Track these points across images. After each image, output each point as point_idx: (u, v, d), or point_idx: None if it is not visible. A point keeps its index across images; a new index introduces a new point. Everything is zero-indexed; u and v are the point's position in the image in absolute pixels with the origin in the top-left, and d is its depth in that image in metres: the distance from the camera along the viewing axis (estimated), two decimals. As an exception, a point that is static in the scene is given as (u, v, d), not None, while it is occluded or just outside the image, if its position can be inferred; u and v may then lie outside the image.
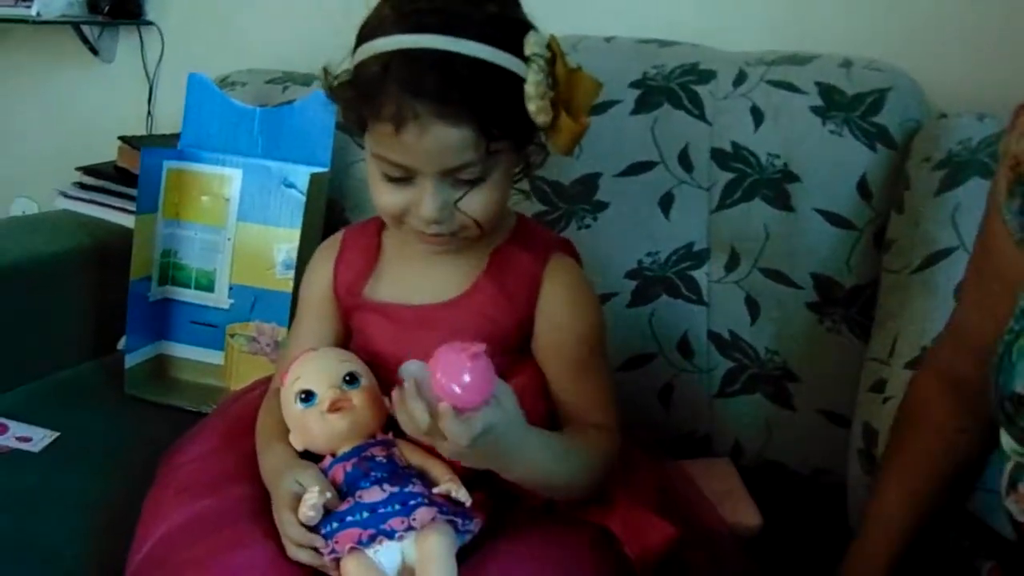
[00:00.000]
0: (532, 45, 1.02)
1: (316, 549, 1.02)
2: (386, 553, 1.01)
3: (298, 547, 1.03)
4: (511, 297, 1.16)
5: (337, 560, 1.01)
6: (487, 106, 1.02)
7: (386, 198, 1.10)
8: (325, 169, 1.68)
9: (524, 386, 1.13)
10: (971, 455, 1.05)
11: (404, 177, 1.08)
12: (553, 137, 1.05)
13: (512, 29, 1.03)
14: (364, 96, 1.06)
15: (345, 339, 1.27)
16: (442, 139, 1.02)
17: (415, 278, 1.19)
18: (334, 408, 1.10)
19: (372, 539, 1.01)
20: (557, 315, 1.17)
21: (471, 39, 1.00)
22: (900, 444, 1.14)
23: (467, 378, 0.91)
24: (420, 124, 1.02)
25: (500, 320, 1.16)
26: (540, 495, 1.11)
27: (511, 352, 1.16)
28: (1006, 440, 0.95)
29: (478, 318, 1.15)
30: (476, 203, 1.08)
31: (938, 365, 1.12)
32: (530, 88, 1.01)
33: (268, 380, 1.34)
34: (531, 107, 1.02)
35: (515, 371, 1.16)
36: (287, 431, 1.15)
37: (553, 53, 1.03)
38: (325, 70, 1.14)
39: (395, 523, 1.01)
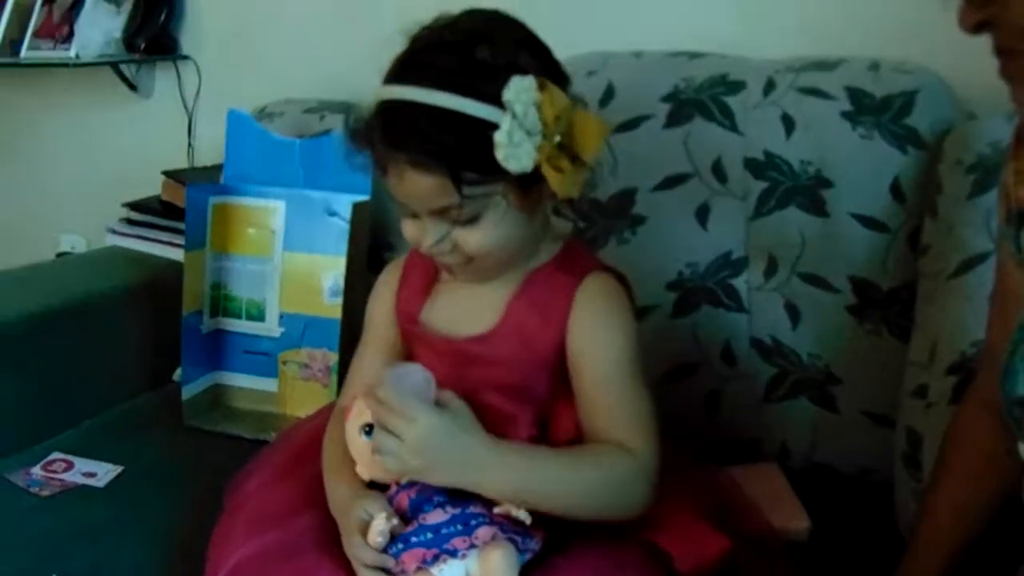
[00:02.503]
0: (509, 91, 1.03)
1: (386, 571, 1.06)
2: (450, 571, 1.04)
3: (369, 570, 1.07)
4: (545, 318, 1.17)
5: None
6: (458, 156, 1.04)
7: (405, 229, 1.15)
8: (367, 197, 1.70)
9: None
10: (1020, 474, 1.06)
11: (412, 213, 1.13)
12: (548, 180, 1.06)
13: (499, 75, 1.04)
14: (364, 141, 1.12)
15: None
16: (418, 185, 1.07)
17: (464, 302, 1.21)
18: None
19: (436, 558, 1.04)
20: (585, 332, 1.16)
21: (444, 90, 1.03)
22: (948, 468, 1.16)
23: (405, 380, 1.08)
24: (398, 172, 1.08)
25: (535, 343, 1.17)
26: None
27: (557, 375, 1.18)
28: (1022, 447, 0.96)
29: (514, 344, 1.17)
30: (473, 240, 1.11)
31: (978, 390, 1.13)
32: (500, 136, 1.02)
33: (329, 409, 1.36)
34: (499, 155, 1.03)
35: (565, 396, 1.18)
36: (351, 460, 1.17)
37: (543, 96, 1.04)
38: (346, 116, 1.18)
39: (457, 542, 1.05)
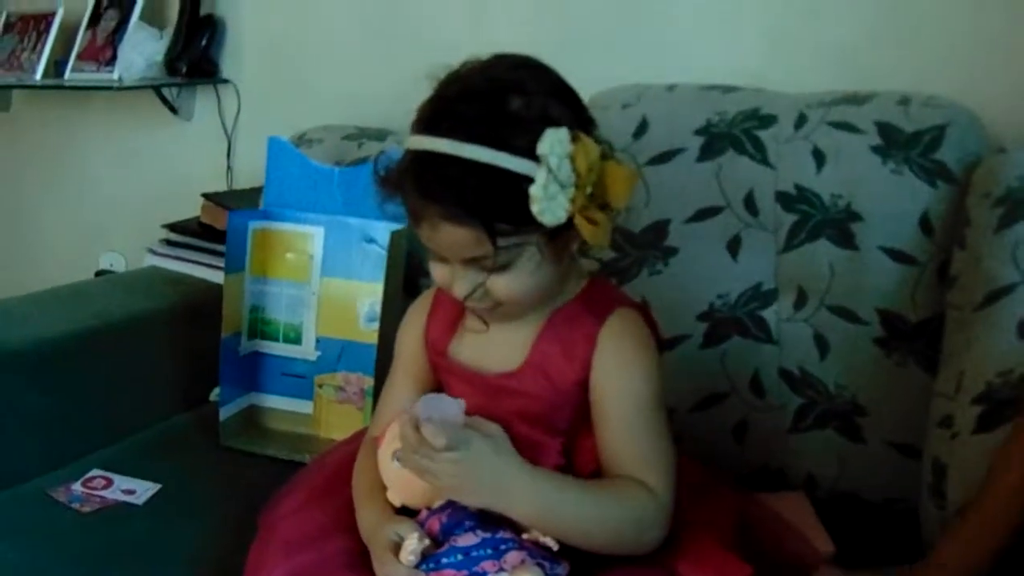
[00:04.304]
0: (544, 145, 1.03)
1: None
2: (479, 594, 1.07)
3: None
4: (569, 357, 1.18)
5: None
6: (491, 208, 1.04)
7: (434, 272, 1.17)
8: (404, 225, 1.72)
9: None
10: None
11: (442, 258, 1.14)
12: (581, 231, 1.07)
13: (531, 127, 1.04)
14: (396, 189, 1.13)
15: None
16: (451, 236, 1.07)
17: (491, 338, 1.22)
18: None
19: None
20: (607, 372, 1.17)
21: (477, 143, 1.03)
22: (983, 502, 1.17)
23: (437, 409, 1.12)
24: (431, 223, 1.08)
25: (559, 381, 1.18)
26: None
27: (581, 409, 1.19)
28: None
29: (540, 381, 1.19)
30: (503, 287, 1.11)
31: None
32: (535, 190, 1.02)
33: (361, 434, 1.39)
34: (534, 208, 1.03)
35: (588, 428, 1.19)
36: (382, 487, 1.20)
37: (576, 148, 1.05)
38: (374, 163, 1.19)
39: (487, 566, 1.07)
